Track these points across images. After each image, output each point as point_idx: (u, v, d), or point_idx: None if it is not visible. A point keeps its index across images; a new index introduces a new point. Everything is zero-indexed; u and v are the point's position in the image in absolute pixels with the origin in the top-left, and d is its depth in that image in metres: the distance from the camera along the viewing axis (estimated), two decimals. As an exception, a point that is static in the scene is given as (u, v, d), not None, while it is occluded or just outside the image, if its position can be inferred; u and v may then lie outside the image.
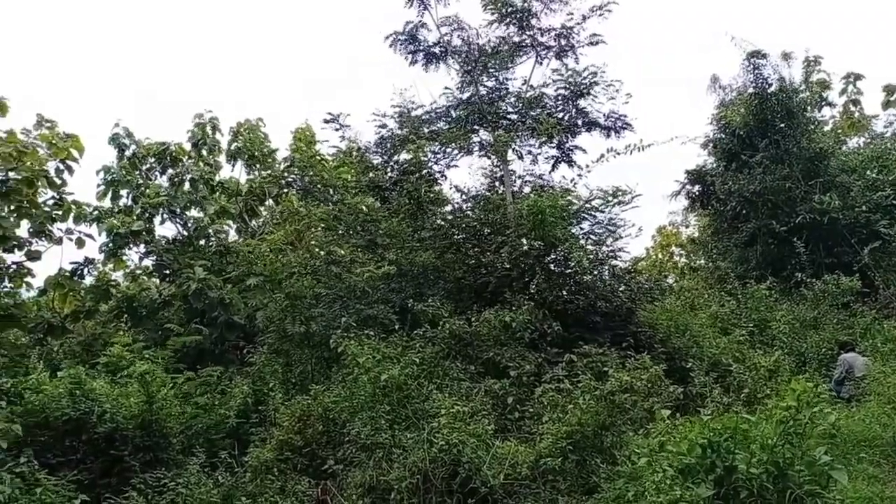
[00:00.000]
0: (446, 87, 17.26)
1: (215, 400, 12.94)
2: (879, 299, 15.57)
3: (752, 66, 22.10)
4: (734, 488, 5.54)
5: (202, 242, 19.61)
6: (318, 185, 15.32)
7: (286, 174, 19.09)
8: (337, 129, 16.04)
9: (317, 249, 14.78)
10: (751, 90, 22.09)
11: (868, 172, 20.43)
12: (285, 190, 18.61)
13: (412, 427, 9.10)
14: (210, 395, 13.17)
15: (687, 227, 31.24)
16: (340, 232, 14.52)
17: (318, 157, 18.04)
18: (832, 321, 14.09)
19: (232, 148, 20.33)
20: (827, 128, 26.50)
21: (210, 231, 19.61)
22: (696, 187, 22.56)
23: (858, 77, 30.24)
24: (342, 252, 14.63)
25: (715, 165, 22.44)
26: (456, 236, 15.10)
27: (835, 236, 18.21)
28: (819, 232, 18.28)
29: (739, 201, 20.02)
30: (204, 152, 19.95)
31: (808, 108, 23.39)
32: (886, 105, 30.21)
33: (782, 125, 20.83)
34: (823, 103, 27.24)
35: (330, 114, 15.95)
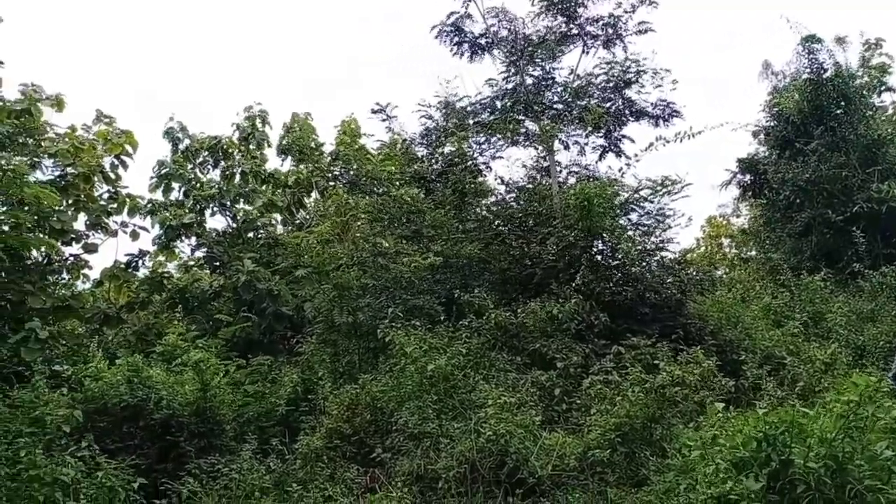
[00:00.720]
0: (490, 78, 17.24)
1: (266, 388, 13.21)
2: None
3: (806, 51, 21.47)
4: (790, 482, 5.42)
5: (251, 235, 19.97)
6: (364, 178, 15.45)
7: (332, 167, 19.30)
8: (383, 121, 16.17)
9: (362, 241, 14.91)
10: (805, 76, 21.48)
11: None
12: (331, 183, 18.82)
13: (459, 417, 9.15)
14: (261, 383, 13.44)
15: (738, 217, 30.55)
16: (385, 223, 14.62)
17: (363, 150, 18.18)
18: (890, 313, 13.60)
19: (284, 142, 20.61)
20: (889, 113, 25.55)
21: (258, 224, 19.96)
22: (748, 176, 22.01)
23: (923, 59, 28.96)
24: (387, 244, 14.74)
25: (767, 154, 21.86)
26: (501, 227, 15.09)
27: (893, 226, 17.57)
28: (877, 221, 17.66)
29: (793, 190, 19.45)
30: (252, 146, 20.26)
31: (867, 93, 22.57)
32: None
33: (838, 111, 20.19)
34: (883, 88, 26.24)
35: (378, 104, 16.08)
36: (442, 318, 11.94)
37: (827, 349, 10.55)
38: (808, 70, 21.41)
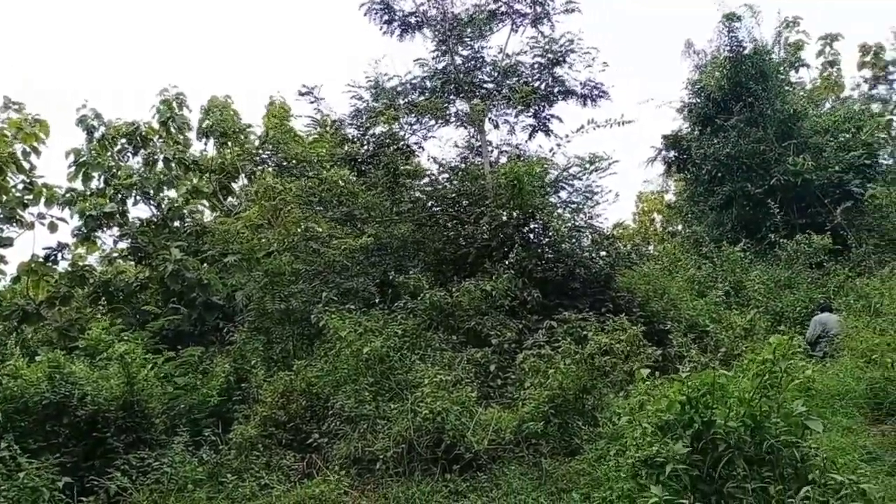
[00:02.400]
0: (419, 58, 17.13)
1: (197, 380, 12.87)
2: (852, 257, 15.85)
3: (727, 29, 22.11)
4: (712, 441, 5.63)
5: (177, 223, 19.34)
6: (293, 161, 15.14)
7: (260, 150, 18.83)
8: (312, 102, 15.84)
9: (294, 226, 14.65)
10: (725, 53, 22.13)
11: (842, 134, 20.63)
12: (259, 167, 18.38)
13: (396, 398, 9.14)
14: (192, 375, 13.09)
15: (668, 192, 31.55)
16: (317, 207, 14.40)
17: (292, 133, 17.80)
18: (806, 280, 14.32)
19: (203, 125, 19.96)
20: (805, 88, 26.72)
21: (185, 211, 19.34)
22: (672, 152, 22.68)
23: (835, 38, 30.44)
24: (320, 228, 14.53)
25: (690, 130, 22.54)
26: (434, 208, 15.07)
27: (808, 197, 18.45)
28: (793, 193, 18.50)
29: (715, 165, 20.16)
30: (172, 129, 19.56)
31: (783, 69, 23.51)
32: (862, 66, 30.51)
33: (756, 88, 20.89)
34: (799, 64, 27.42)
35: (305, 86, 15.73)
36: (377, 300, 11.89)
37: (746, 316, 11.03)
38: (728, 48, 22.06)
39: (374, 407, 9.05)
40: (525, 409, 8.73)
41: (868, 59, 29.97)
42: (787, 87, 22.49)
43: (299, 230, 14.19)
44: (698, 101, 22.01)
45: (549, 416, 8.47)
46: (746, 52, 21.55)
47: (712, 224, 20.19)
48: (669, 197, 31.19)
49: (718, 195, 19.99)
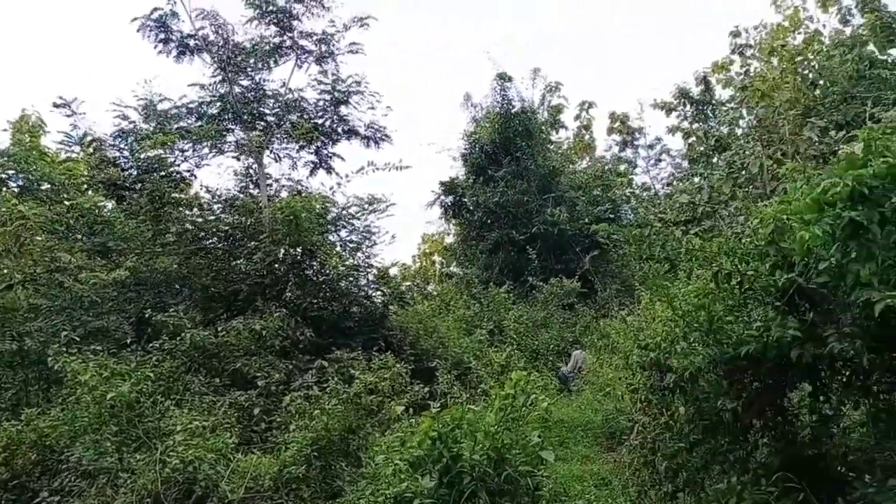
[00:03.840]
0: (196, 83, 16.38)
1: None
2: (598, 300, 17.82)
3: (499, 88, 24.09)
4: (458, 475, 5.87)
5: None
6: (39, 181, 13.48)
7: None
8: (68, 116, 14.34)
9: (39, 255, 12.96)
10: (497, 109, 24.03)
11: (593, 190, 23.31)
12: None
13: (143, 447, 8.34)
14: None
15: (449, 235, 33.14)
16: (62, 235, 12.90)
17: (40, 151, 15.88)
18: (559, 320, 15.76)
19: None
20: (563, 147, 29.81)
21: None
22: (450, 197, 23.94)
23: (591, 105, 34.45)
24: (70, 258, 13.01)
25: (466, 178, 24.02)
26: (205, 241, 14.31)
27: (563, 245, 20.50)
28: (551, 241, 20.44)
29: (485, 212, 21.65)
30: None
31: (546, 129, 26.07)
32: (611, 131, 34.82)
33: (523, 144, 22.92)
34: (559, 126, 30.63)
35: (61, 98, 14.20)
36: (130, 340, 10.86)
37: (503, 352, 11.84)
38: (499, 105, 24.00)
39: (117, 459, 8.16)
40: (288, 453, 8.43)
41: (616, 125, 34.40)
42: (548, 146, 24.97)
43: (45, 260, 12.58)
44: (473, 151, 23.58)
45: (312, 458, 8.27)
46: (515, 110, 23.62)
47: (483, 267, 21.57)
48: (451, 239, 32.85)
49: (488, 240, 21.45)
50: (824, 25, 27.15)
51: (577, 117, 34.03)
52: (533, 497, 6.05)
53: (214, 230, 14.48)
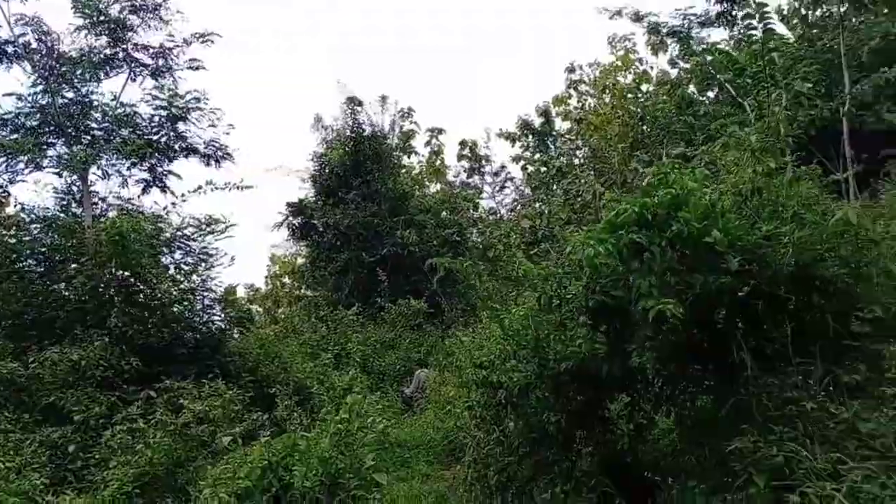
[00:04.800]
0: (16, 93, 14.97)
1: None
2: (445, 320, 18.19)
3: (350, 111, 24.13)
4: (290, 503, 5.72)
5: None
6: None
7: None
8: None
9: None
10: (348, 133, 24.05)
11: (441, 214, 23.85)
12: None
13: (-71, 497, 7.35)
14: None
15: (300, 257, 32.38)
16: None
17: None
18: (406, 340, 15.90)
19: None
20: (415, 172, 30.32)
21: None
22: (298, 219, 23.48)
23: (441, 131, 35.36)
24: None
25: (315, 199, 23.71)
26: (19, 263, 13.00)
27: (413, 266, 20.77)
28: (401, 262, 20.65)
29: (335, 234, 21.48)
30: None
31: (397, 154, 26.43)
32: (460, 157, 35.92)
33: (373, 167, 23.04)
34: (410, 151, 31.15)
35: None
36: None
37: (346, 376, 11.73)
38: (350, 128, 24.03)
39: None
40: (106, 492, 7.79)
41: (465, 152, 35.56)
42: (400, 170, 25.30)
43: None
44: (323, 172, 23.37)
45: (134, 496, 7.69)
46: (366, 134, 23.76)
47: (332, 289, 21.33)
48: (302, 261, 32.12)
49: (338, 262, 21.27)
50: (652, 67, 29.86)
51: (428, 143, 34.83)
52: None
53: (30, 251, 13.20)
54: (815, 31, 21.11)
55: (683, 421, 6.47)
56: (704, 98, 23.35)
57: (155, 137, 16.05)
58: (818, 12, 21.99)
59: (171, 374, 10.84)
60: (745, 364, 5.51)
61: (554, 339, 6.63)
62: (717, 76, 14.97)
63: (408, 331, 16.69)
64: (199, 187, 14.66)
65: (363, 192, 22.25)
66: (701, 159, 8.73)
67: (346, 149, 23.55)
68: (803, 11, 22.34)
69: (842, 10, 18.20)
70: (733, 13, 22.50)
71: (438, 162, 34.36)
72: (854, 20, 19.48)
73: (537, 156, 31.33)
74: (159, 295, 12.45)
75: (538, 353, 6.67)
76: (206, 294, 13.33)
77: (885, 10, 19.10)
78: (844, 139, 14.53)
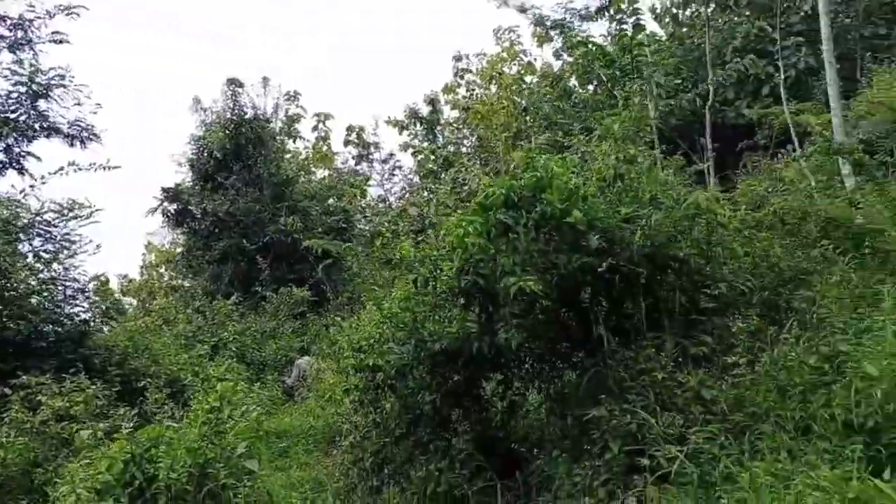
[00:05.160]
0: None
1: None
2: (330, 308, 17.96)
3: (231, 93, 23.23)
4: (153, 496, 5.49)
5: None
6: None
7: None
8: None
9: None
10: (229, 115, 23.15)
11: (327, 201, 23.52)
12: None
13: None
14: None
15: (178, 245, 30.89)
16: None
17: None
18: (289, 330, 15.60)
19: None
20: (301, 157, 29.68)
21: None
22: (174, 205, 22.39)
23: (328, 116, 34.79)
24: None
25: (192, 184, 22.72)
26: None
27: (296, 255, 20.36)
28: (284, 250, 20.19)
29: (214, 221, 20.68)
30: None
31: (281, 138, 25.75)
32: (347, 143, 35.52)
33: (255, 152, 22.35)
34: (296, 135, 30.44)
35: None
36: None
37: (221, 366, 11.36)
38: (231, 110, 23.14)
39: None
40: (-49, 498, 7.17)
41: (352, 137, 35.18)
42: (284, 155, 24.68)
43: None
44: (201, 157, 22.41)
45: (-16, 500, 7.13)
46: (248, 116, 22.99)
47: (211, 278, 20.54)
48: (179, 250, 30.69)
49: (216, 250, 20.50)
50: (535, 59, 30.73)
51: (315, 128, 34.18)
52: (240, 510, 5.87)
53: None
54: (684, 29, 22.53)
55: (551, 396, 6.79)
56: (584, 90, 24.32)
57: (12, 116, 14.76)
58: (687, 12, 23.46)
59: (28, 369, 10.07)
60: (605, 339, 5.85)
61: (429, 320, 6.76)
62: (593, 68, 15.66)
63: (290, 320, 16.38)
64: (61, 168, 13.64)
65: (244, 178, 21.54)
66: (577, 149, 9.13)
67: (227, 132, 22.69)
68: (674, 10, 23.74)
69: (708, 10, 19.51)
70: (610, 8, 23.54)
71: (325, 148, 33.85)
72: (720, 20, 20.97)
73: (425, 144, 31.53)
74: (15, 284, 11.52)
75: (415, 334, 6.77)
76: (68, 284, 12.45)
77: (748, 13, 20.66)
78: (707, 132, 15.57)
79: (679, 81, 18.24)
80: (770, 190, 9.67)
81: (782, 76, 14.23)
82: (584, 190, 5.94)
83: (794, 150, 13.32)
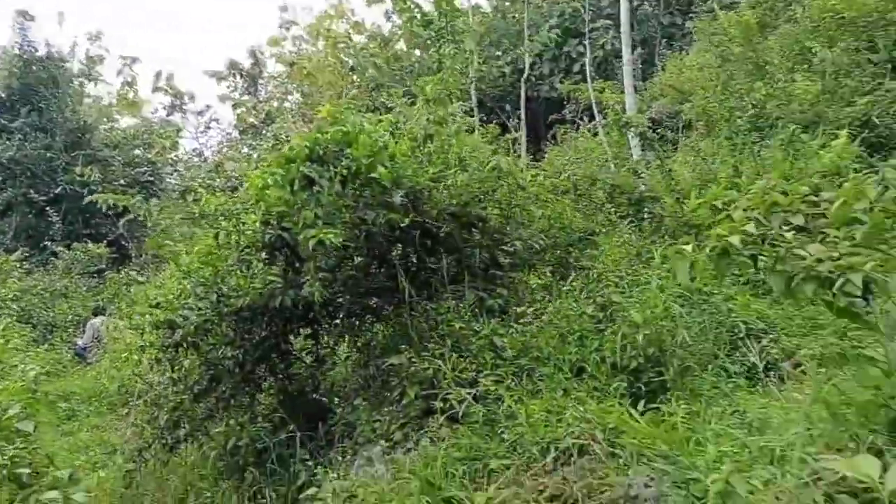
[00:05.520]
0: None
1: None
2: (133, 266, 16.72)
3: (19, 27, 20.67)
4: None
5: None
6: None
7: None
8: None
9: None
10: (16, 52, 20.63)
11: (132, 151, 21.68)
12: None
13: None
14: None
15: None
16: None
17: None
18: (83, 289, 14.34)
19: None
20: (104, 103, 27.06)
21: None
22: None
23: (135, 60, 31.96)
24: None
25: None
26: None
27: (94, 209, 18.60)
28: (79, 203, 18.36)
29: (-3, 168, 18.33)
30: None
31: (80, 80, 23.24)
32: (156, 90, 32.98)
33: (48, 93, 20.07)
34: (98, 78, 27.63)
35: None
36: None
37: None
38: (19, 46, 20.61)
39: None
40: None
41: (161, 84, 32.67)
42: (83, 99, 22.34)
43: None
44: (-24, 95, 19.67)
45: None
46: (39, 54, 20.55)
47: (-7, 232, 18.25)
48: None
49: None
50: (363, 19, 30.38)
51: (120, 72, 31.32)
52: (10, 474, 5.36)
53: None
54: (507, 2, 23.40)
55: (358, 348, 6.91)
56: (412, 54, 24.48)
57: None
58: (512, -13, 24.39)
59: None
60: (407, 291, 6.06)
61: (232, 275, 6.55)
62: (414, 30, 15.80)
63: (86, 278, 15.03)
64: None
65: (34, 122, 19.23)
66: (401, 111, 9.24)
67: (13, 69, 20.09)
68: (500, -16, 24.56)
69: (527, -14, 20.39)
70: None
71: (132, 94, 31.21)
72: (541, -1, 22.01)
73: (246, 97, 30.16)
74: None
75: (217, 289, 6.53)
76: None
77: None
78: (522, 103, 16.38)
79: (500, 54, 18.98)
80: (570, 159, 10.46)
81: (589, 55, 15.32)
82: (392, 148, 6.03)
83: (595, 125, 14.48)
